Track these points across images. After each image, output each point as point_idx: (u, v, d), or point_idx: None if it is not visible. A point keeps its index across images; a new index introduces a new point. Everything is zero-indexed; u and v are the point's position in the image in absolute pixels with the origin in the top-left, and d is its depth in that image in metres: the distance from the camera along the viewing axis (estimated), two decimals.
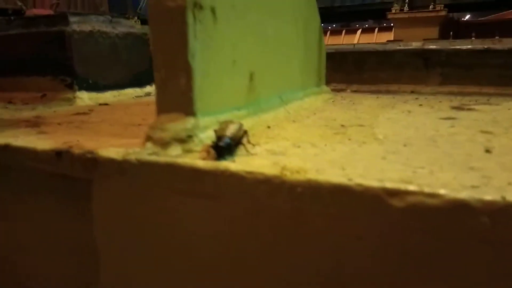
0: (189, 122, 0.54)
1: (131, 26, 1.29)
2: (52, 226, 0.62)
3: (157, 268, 0.55)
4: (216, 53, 0.57)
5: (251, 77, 0.67)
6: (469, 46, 1.18)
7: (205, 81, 0.56)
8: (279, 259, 0.47)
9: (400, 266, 0.42)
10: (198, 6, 0.54)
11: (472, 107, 0.88)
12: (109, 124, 0.75)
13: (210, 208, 0.50)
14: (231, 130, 0.52)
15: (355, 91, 1.27)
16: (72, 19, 1.15)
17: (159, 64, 0.55)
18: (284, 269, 0.47)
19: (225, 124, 0.54)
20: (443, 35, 5.53)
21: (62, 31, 1.12)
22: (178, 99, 0.54)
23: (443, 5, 5.67)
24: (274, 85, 0.76)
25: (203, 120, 0.55)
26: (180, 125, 0.54)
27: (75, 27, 1.13)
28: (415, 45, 1.27)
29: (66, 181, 0.58)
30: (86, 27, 1.15)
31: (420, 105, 0.93)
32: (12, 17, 1.22)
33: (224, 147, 0.49)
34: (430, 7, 5.66)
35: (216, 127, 0.55)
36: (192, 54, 0.53)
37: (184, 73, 0.54)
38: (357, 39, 6.96)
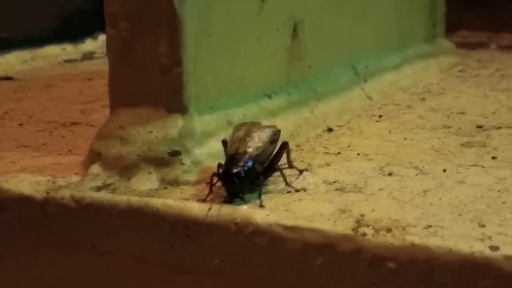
0: (174, 125, 0.43)
1: None
2: None
3: None
4: None
5: (296, 31, 0.55)
6: None
7: (204, 44, 0.44)
8: None
9: None
10: None
11: None
12: (17, 123, 0.61)
13: None
14: (256, 143, 0.41)
15: (506, 47, 0.97)
16: None
17: (116, 11, 0.42)
18: None
19: (245, 129, 0.42)
20: None
21: None
22: (152, 81, 0.43)
23: None
24: (340, 45, 0.62)
25: (201, 122, 0.44)
26: (156, 131, 0.43)
27: None
28: None
29: None
30: None
31: None
32: None
33: (243, 177, 0.39)
34: None
35: (227, 135, 0.43)
36: None
37: (166, 29, 0.42)
38: None
